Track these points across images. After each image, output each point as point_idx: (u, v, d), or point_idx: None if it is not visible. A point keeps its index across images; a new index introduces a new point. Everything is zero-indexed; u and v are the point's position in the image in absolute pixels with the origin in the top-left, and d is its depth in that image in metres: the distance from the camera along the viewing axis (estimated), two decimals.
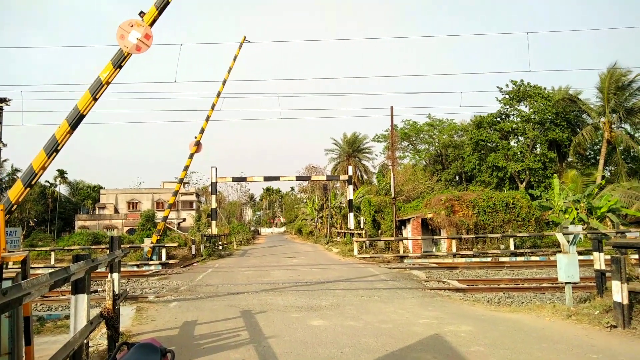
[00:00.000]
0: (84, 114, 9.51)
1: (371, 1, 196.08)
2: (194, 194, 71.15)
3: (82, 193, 79.14)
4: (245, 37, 25.97)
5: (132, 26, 8.91)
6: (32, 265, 20.42)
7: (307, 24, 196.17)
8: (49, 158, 9.01)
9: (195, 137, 25.49)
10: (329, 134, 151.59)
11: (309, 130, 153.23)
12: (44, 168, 9.19)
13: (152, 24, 9.60)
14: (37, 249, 28.73)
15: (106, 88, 9.68)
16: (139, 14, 9.67)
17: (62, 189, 74.72)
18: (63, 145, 9.31)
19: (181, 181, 27.44)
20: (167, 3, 9.88)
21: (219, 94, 25.69)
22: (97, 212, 68.86)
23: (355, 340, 6.62)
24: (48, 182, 70.11)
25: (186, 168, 27.04)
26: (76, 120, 9.42)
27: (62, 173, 72.65)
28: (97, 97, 9.57)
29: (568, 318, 7.70)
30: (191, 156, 25.46)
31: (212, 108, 25.82)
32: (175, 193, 25.53)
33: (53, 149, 9.20)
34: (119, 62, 9.60)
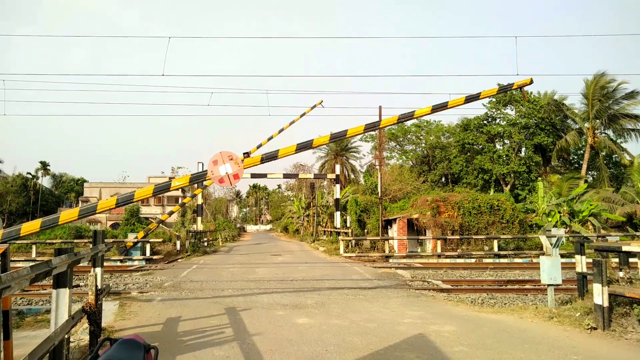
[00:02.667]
0: (135, 201, 9.48)
1: (361, 1, 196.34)
2: (180, 189, 70.58)
3: (65, 186, 77.97)
4: (321, 102, 26.27)
5: (230, 159, 8.61)
6: (13, 259, 20.04)
7: (297, 22, 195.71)
8: (79, 218, 8.85)
9: (247, 154, 25.84)
10: (316, 132, 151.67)
11: (297, 128, 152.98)
12: (68, 222, 9.05)
13: (246, 167, 9.49)
14: (18, 242, 28.20)
15: (168, 192, 9.60)
16: (244, 154, 9.65)
17: (45, 182, 73.52)
18: (99, 213, 9.23)
19: (194, 196, 27.73)
20: (274, 158, 9.77)
21: (270, 138, 25.47)
22: (80, 205, 67.90)
23: (340, 338, 6.63)
24: (30, 174, 68.89)
25: (205, 187, 28.78)
26: (124, 203, 9.38)
27: (44, 165, 71.46)
28: (156, 194, 9.53)
29: (550, 319, 7.81)
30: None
31: (258, 147, 25.92)
32: (183, 205, 25.50)
33: (88, 213, 9.06)
34: (196, 180, 9.53)
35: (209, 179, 8.73)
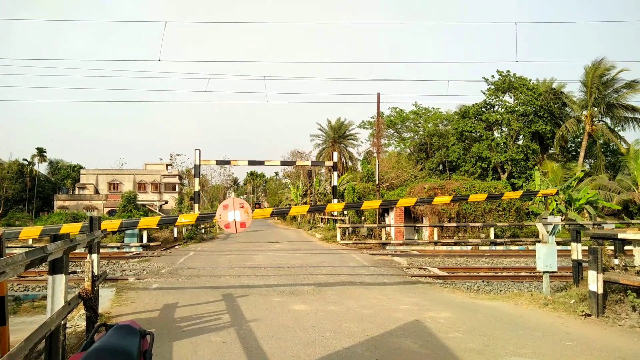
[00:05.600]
0: (138, 228, 9.37)
1: None
2: (177, 176, 70.43)
3: (61, 172, 77.65)
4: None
5: (241, 207, 8.37)
6: (8, 245, 20.03)
7: (295, 6, 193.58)
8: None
9: (258, 204, 26.28)
10: (314, 119, 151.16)
11: (295, 115, 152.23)
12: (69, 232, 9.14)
13: (255, 217, 9.26)
14: (14, 228, 28.17)
15: (173, 225, 9.57)
16: (255, 204, 9.51)
17: (41, 168, 73.18)
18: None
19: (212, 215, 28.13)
20: (285, 214, 9.63)
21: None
22: (77, 192, 67.73)
23: (337, 325, 6.66)
24: (26, 160, 68.56)
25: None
26: (127, 228, 9.46)
27: (41, 151, 71.03)
28: (161, 225, 9.54)
29: (545, 306, 7.87)
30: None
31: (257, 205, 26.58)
32: (197, 215, 25.97)
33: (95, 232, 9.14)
34: (203, 220, 9.48)
35: (215, 222, 8.65)
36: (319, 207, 9.78)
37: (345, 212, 29.82)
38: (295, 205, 52.91)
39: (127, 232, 21.51)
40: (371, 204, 10.48)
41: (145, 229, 21.33)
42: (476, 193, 24.99)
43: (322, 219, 38.04)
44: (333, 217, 31.44)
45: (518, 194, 10.97)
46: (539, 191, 9.35)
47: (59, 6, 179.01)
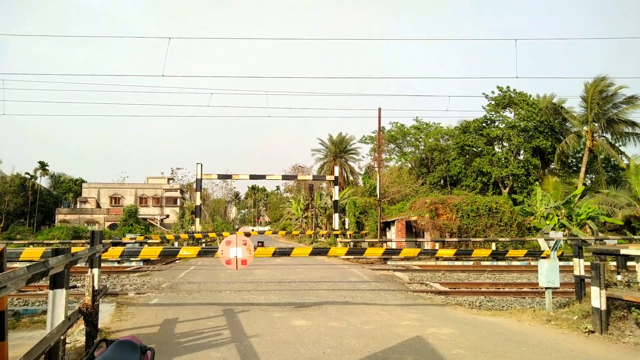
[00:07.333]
0: (139, 259, 9.70)
1: (360, 2, 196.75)
2: (179, 190, 70.50)
3: (63, 186, 77.77)
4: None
5: (244, 244, 8.46)
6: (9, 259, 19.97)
7: (296, 23, 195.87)
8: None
9: (261, 243, 25.98)
10: (316, 133, 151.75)
11: (297, 130, 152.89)
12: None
13: (257, 256, 9.40)
14: (16, 242, 28.15)
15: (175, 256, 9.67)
16: (259, 242, 9.72)
17: (43, 182, 73.30)
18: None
19: (214, 250, 28.47)
20: (287, 255, 9.77)
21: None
22: (78, 206, 67.78)
23: (338, 340, 6.61)
24: (28, 174, 68.70)
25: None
26: (129, 256, 9.61)
27: (43, 165, 71.23)
28: (162, 256, 9.71)
29: (547, 323, 7.80)
30: None
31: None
32: (199, 249, 26.16)
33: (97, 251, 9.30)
34: (204, 255, 9.70)
35: (217, 256, 8.65)
36: (321, 250, 10.00)
37: (347, 227, 29.75)
38: (297, 219, 52.89)
39: (128, 245, 21.46)
40: (374, 252, 10.62)
41: (146, 242, 21.31)
42: (477, 208, 24.97)
43: (322, 235, 37.94)
44: (334, 232, 31.36)
45: (522, 252, 11.01)
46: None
47: (62, 20, 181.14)
